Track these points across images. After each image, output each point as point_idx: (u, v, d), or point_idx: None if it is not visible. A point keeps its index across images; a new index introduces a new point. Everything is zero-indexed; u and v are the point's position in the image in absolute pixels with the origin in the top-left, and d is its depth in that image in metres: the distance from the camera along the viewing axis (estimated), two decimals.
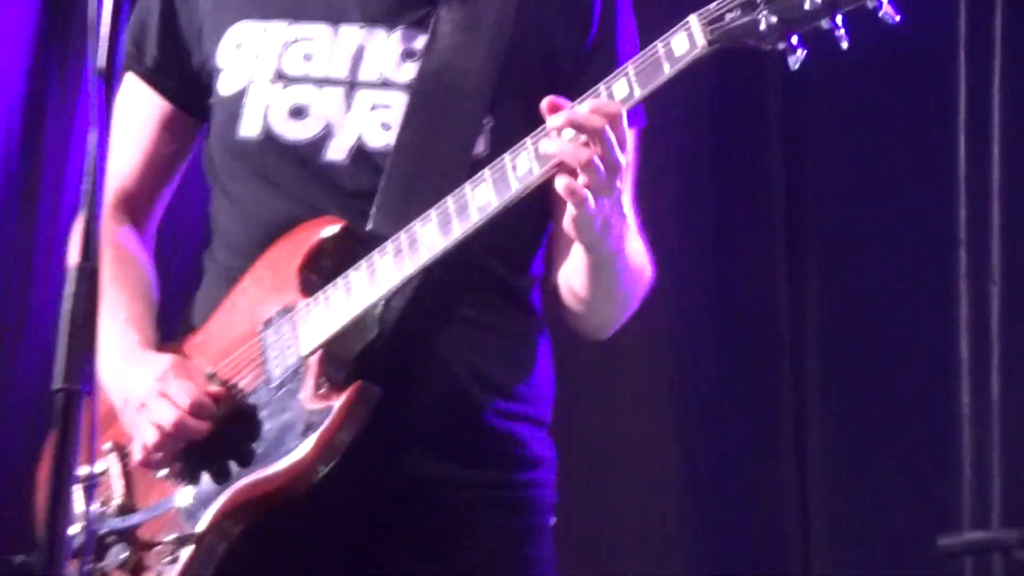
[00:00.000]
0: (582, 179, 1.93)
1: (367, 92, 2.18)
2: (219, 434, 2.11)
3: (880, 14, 1.89)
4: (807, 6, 1.90)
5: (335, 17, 2.21)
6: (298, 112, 2.19)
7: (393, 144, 2.15)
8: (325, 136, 2.18)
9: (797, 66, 1.95)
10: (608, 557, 4.16)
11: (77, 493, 1.78)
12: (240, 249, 2.22)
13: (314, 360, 2.08)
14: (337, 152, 2.17)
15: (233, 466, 2.11)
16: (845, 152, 4.35)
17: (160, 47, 2.27)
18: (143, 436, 2.11)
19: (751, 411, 4.35)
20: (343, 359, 2.10)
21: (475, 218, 2.01)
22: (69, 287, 1.68)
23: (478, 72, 2.18)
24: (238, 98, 2.21)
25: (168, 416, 2.09)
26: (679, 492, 4.28)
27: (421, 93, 2.17)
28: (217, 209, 2.28)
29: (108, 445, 2.21)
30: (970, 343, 4.14)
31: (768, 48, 1.94)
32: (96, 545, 2.14)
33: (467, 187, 2.03)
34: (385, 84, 2.19)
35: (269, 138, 2.19)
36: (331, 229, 2.14)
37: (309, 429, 2.06)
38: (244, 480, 2.09)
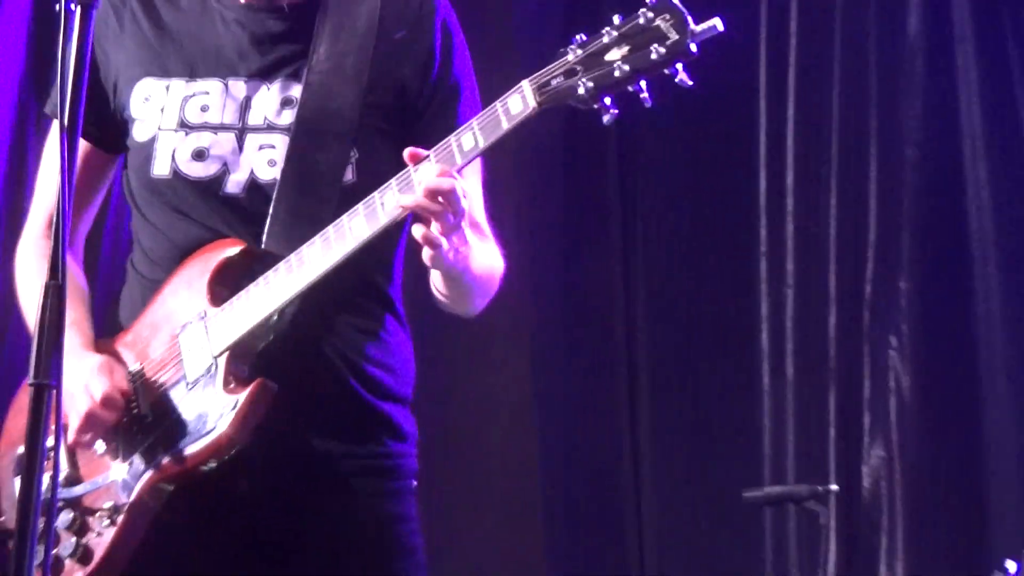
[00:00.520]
0: (435, 227, 2.09)
1: (255, 135, 2.30)
2: (147, 420, 2.25)
3: (676, 80, 2.02)
4: (617, 74, 2.01)
5: (224, 74, 2.32)
6: (200, 154, 2.31)
7: (279, 178, 2.28)
8: (223, 173, 2.29)
9: (611, 122, 2.05)
10: (462, 513, 4.41)
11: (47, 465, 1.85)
12: (159, 263, 2.35)
13: (223, 359, 2.21)
14: (234, 186, 2.29)
15: (159, 446, 2.22)
16: (668, 180, 4.64)
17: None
18: (71, 421, 2.25)
19: (593, 387, 4.60)
20: (247, 358, 2.22)
21: (352, 244, 2.15)
22: (40, 300, 1.80)
23: (343, 113, 2.28)
24: (150, 144, 2.33)
25: (84, 406, 2.23)
26: (531, 449, 4.45)
27: (298, 134, 2.28)
28: (138, 228, 2.40)
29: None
30: (769, 335, 4.50)
31: (585, 108, 2.05)
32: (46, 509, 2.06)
33: (345, 218, 2.15)
34: (270, 128, 2.30)
35: (177, 176, 2.31)
36: (233, 249, 2.26)
37: (223, 415, 2.16)
38: (169, 456, 2.20)
